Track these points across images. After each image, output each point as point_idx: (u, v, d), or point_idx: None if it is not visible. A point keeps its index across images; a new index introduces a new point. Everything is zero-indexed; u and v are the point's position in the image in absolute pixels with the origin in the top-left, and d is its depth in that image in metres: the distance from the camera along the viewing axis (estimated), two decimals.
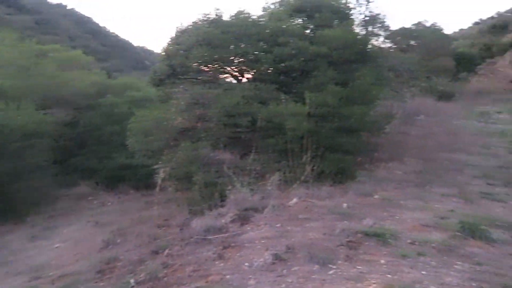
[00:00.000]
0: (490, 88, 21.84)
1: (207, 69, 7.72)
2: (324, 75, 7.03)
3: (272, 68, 7.58)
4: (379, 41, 14.70)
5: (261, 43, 7.45)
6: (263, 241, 4.52)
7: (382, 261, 3.64)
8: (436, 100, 17.78)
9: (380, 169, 6.92)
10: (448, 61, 24.15)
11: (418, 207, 5.13)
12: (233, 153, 7.08)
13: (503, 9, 43.46)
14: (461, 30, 43.12)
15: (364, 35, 11.20)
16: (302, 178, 6.17)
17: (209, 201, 6.02)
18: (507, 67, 24.84)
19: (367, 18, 13.33)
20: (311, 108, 6.57)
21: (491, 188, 5.86)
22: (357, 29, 9.70)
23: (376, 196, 5.78)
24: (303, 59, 7.37)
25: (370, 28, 13.15)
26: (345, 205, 5.45)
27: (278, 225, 5.03)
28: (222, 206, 5.95)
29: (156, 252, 5.23)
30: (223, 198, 6.06)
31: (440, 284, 3.10)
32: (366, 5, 12.20)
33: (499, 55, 27.96)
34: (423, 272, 3.36)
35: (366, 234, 4.26)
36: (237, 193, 5.89)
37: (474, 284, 3.10)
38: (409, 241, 4.06)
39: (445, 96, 19.33)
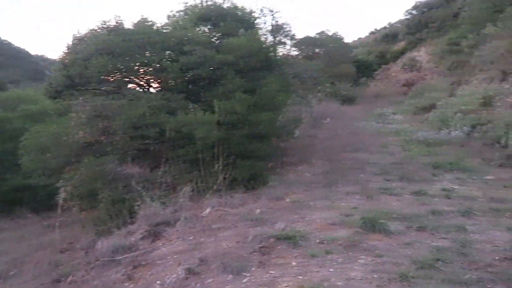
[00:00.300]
0: (386, 91, 24.01)
1: (110, 79, 7.28)
2: (232, 83, 7.07)
3: (179, 77, 7.42)
4: (286, 49, 15.37)
5: (167, 52, 7.26)
6: (175, 256, 4.36)
7: (294, 263, 3.71)
8: (340, 104, 19.06)
9: (290, 172, 7.14)
10: (349, 68, 26.16)
11: (325, 207, 5.36)
12: (142, 166, 6.77)
13: (393, 20, 48.39)
14: (359, 39, 46.92)
15: (271, 43, 11.56)
16: (215, 187, 6.11)
17: (117, 219, 5.67)
18: (399, 72, 27.60)
19: (273, 27, 13.83)
20: (220, 116, 6.56)
21: (388, 183, 6.36)
22: (264, 38, 9.99)
23: (287, 200, 5.93)
24: (210, 67, 7.34)
25: (276, 37, 13.67)
26: (258, 211, 5.50)
27: (191, 238, 4.90)
28: (131, 223, 5.65)
29: (58, 281, 4.78)
30: (132, 214, 5.75)
31: (346, 279, 3.23)
32: (271, 15, 12.64)
33: (392, 61, 30.98)
34: (331, 270, 3.48)
35: (278, 238, 4.32)
36: (147, 208, 5.64)
37: (375, 276, 3.28)
38: (318, 240, 4.20)
39: (348, 100, 20.82)
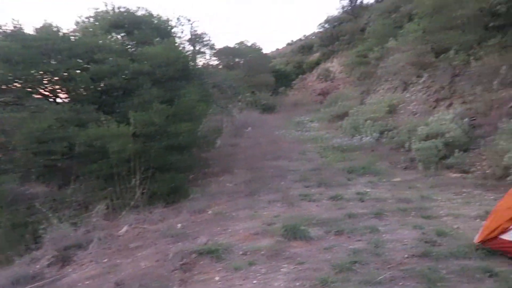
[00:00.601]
0: (303, 100, 25.04)
1: (8, 89, 6.52)
2: (149, 93, 6.78)
3: (90, 87, 6.92)
4: (206, 59, 15.31)
5: (75, 60, 6.72)
6: (87, 282, 4.00)
7: (217, 278, 3.61)
8: (260, 112, 19.44)
9: (213, 183, 7.03)
10: (269, 77, 26.89)
11: (248, 217, 5.34)
12: (49, 184, 6.16)
13: (308, 32, 50.96)
14: (277, 49, 48.53)
15: (190, 52, 11.39)
16: (132, 203, 5.78)
17: (18, 246, 5.05)
18: (315, 82, 29.02)
19: (192, 36, 13.66)
20: (136, 128, 6.23)
21: (308, 190, 6.56)
22: (182, 47, 9.79)
23: (209, 212, 5.81)
24: (124, 77, 6.96)
25: (196, 46, 13.55)
26: (179, 225, 5.30)
27: (105, 260, 4.55)
28: (36, 248, 5.07)
29: None
30: (37, 239, 5.17)
31: None
32: (190, 24, 12.46)
33: (308, 71, 32.47)
34: (254, 282, 3.43)
35: (200, 253, 4.19)
36: (55, 231, 5.11)
37: (297, 284, 3.30)
38: (241, 252, 4.14)
39: (268, 109, 21.33)
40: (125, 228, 5.34)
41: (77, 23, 8.07)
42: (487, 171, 6.48)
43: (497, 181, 6.08)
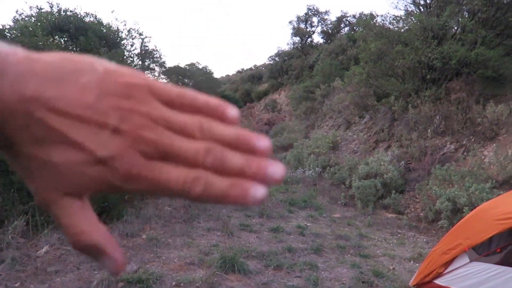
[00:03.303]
0: (250, 128, 25.14)
1: None
2: None
3: None
4: (154, 76, 14.93)
5: None
6: None
7: None
8: None
9: (149, 205, 6.64)
10: None
11: (185, 244, 5.06)
12: None
13: (258, 63, 52.29)
14: (227, 75, 49.12)
15: (138, 67, 11.02)
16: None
17: None
18: (262, 111, 29.50)
19: (141, 51, 13.31)
20: None
21: (249, 219, 6.41)
22: (130, 60, 9.43)
23: (143, 236, 5.43)
24: None
25: (145, 62, 13.17)
26: None
27: (17, 284, 4.01)
28: None
29: None
30: None
31: None
32: (141, 38, 12.17)
33: (256, 100, 33.02)
34: None
35: (129, 282, 3.85)
36: None
37: None
38: (174, 283, 3.88)
39: None
40: (45, 249, 4.79)
41: (15, 20, 7.47)
42: (421, 214, 6.78)
43: (429, 224, 6.36)
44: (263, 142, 0.30)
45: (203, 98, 0.31)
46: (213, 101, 0.31)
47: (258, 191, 0.28)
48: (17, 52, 0.29)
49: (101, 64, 0.30)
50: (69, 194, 0.29)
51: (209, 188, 0.28)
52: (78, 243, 0.29)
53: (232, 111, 0.32)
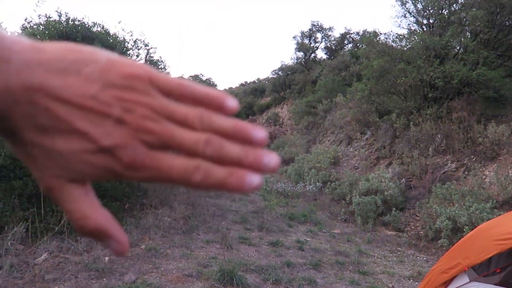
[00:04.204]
0: None
1: None
2: None
3: None
4: None
5: None
6: None
7: None
8: None
9: (149, 215, 6.63)
10: None
11: (183, 256, 5.04)
12: None
13: (262, 76, 52.63)
14: (230, 88, 49.35)
15: None
16: (57, 228, 5.22)
17: None
18: (264, 125, 29.58)
19: (146, 61, 13.43)
20: None
21: (248, 233, 6.39)
22: None
23: (142, 246, 5.41)
24: None
25: None
26: (106, 258, 4.85)
27: None
28: None
29: None
30: None
31: None
32: (146, 49, 12.31)
33: (258, 114, 33.15)
34: None
35: None
36: None
37: None
38: None
39: None
40: (43, 256, 4.78)
41: (24, 28, 7.57)
42: (420, 232, 6.76)
43: (429, 243, 6.33)
44: (259, 132, 0.31)
45: (202, 89, 0.32)
46: (212, 92, 0.33)
47: (254, 179, 0.30)
48: (22, 41, 0.30)
49: (103, 54, 0.31)
50: (73, 181, 0.30)
51: (208, 176, 0.29)
52: (83, 228, 0.31)
53: (231, 102, 0.32)
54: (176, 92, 0.32)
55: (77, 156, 0.29)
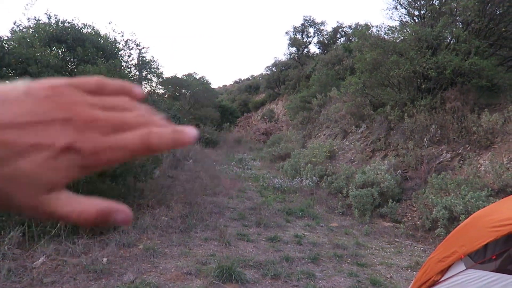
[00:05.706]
0: (247, 138, 25.29)
1: None
2: None
3: None
4: (152, 86, 14.99)
5: (4, 70, 6.15)
6: None
7: None
8: (203, 146, 19.20)
9: (146, 215, 6.62)
10: (214, 112, 26.92)
11: (182, 254, 5.04)
12: None
13: (256, 73, 52.54)
14: (224, 86, 49.33)
15: (137, 78, 11.08)
16: (53, 231, 5.21)
17: None
18: (259, 121, 29.58)
19: (139, 61, 13.38)
20: None
21: (246, 229, 6.40)
22: (128, 71, 9.48)
23: (140, 246, 5.41)
24: None
25: (142, 72, 13.23)
26: (104, 259, 4.85)
27: None
28: None
29: None
30: None
31: None
32: (138, 49, 12.26)
33: (253, 110, 33.14)
34: None
35: None
36: None
37: None
38: None
39: (211, 143, 21.16)
40: (41, 260, 4.76)
41: (13, 31, 7.50)
42: (417, 223, 6.79)
43: (426, 232, 6.37)
44: (138, 90, 0.38)
45: (116, 82, 0.38)
46: (123, 84, 0.38)
47: (192, 131, 0.35)
48: None
49: (16, 84, 0.33)
50: (51, 190, 0.31)
51: (162, 136, 0.33)
52: (87, 220, 0.32)
53: (138, 90, 0.39)
54: (97, 90, 0.36)
55: (43, 167, 0.30)
